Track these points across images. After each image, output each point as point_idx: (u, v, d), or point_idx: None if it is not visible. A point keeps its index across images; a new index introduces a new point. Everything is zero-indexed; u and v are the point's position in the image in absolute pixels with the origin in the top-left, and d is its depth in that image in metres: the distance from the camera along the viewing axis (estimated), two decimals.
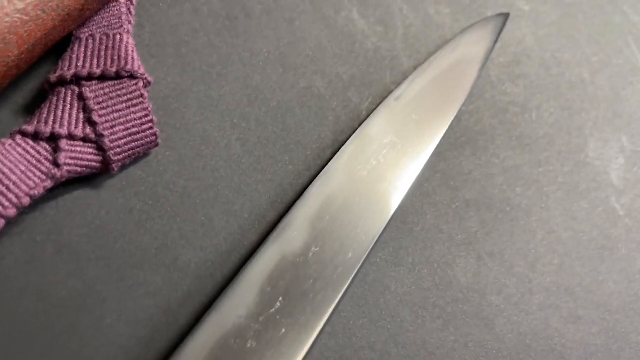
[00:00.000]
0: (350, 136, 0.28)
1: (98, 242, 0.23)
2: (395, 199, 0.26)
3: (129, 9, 0.26)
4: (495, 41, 0.31)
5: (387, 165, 0.26)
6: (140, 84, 0.24)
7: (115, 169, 0.24)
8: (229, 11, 0.28)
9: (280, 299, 0.22)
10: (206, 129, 0.26)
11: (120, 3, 0.26)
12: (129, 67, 0.24)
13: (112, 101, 0.23)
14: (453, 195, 0.28)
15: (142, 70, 0.24)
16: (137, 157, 0.24)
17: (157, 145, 0.25)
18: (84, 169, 0.23)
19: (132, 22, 0.26)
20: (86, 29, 0.25)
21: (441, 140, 0.28)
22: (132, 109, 0.23)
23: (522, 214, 0.29)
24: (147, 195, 0.25)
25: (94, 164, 0.23)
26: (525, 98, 0.32)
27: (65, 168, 0.22)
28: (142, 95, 0.24)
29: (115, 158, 0.23)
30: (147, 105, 0.24)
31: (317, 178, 0.26)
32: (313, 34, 0.29)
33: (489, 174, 0.29)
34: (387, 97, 0.29)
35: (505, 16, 0.32)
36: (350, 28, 0.30)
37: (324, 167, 0.27)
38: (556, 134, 0.31)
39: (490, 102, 0.31)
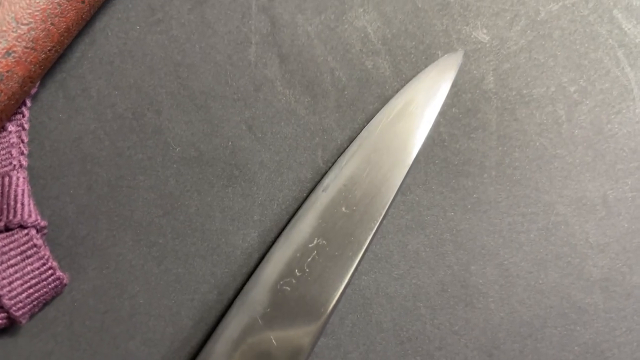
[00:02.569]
0: (278, 236, 0.25)
1: None
2: (319, 320, 0.24)
3: (20, 137, 0.24)
4: (449, 89, 0.27)
5: (312, 276, 0.24)
6: (33, 231, 0.23)
7: (23, 322, 0.23)
8: (135, 110, 0.26)
9: None
10: (120, 252, 0.25)
11: (9, 132, 0.24)
12: (17, 218, 0.22)
13: (5, 256, 0.22)
14: (398, 284, 0.26)
15: (33, 218, 0.23)
16: (46, 303, 0.24)
17: (64, 286, 0.24)
18: None
19: (25, 150, 0.24)
20: None
21: (382, 222, 0.25)
22: (27, 261, 0.22)
23: (481, 296, 0.26)
24: (64, 336, 0.24)
25: None
26: (483, 154, 0.28)
27: None
28: (35, 245, 0.22)
29: (18, 314, 0.23)
30: (43, 253, 0.23)
31: (239, 296, 0.24)
32: (232, 119, 0.27)
33: (440, 253, 0.27)
34: (315, 186, 0.26)
35: (459, 55, 0.28)
36: (273, 104, 0.27)
37: (250, 274, 0.25)
38: (521, 194, 0.27)
39: (440, 168, 0.27)
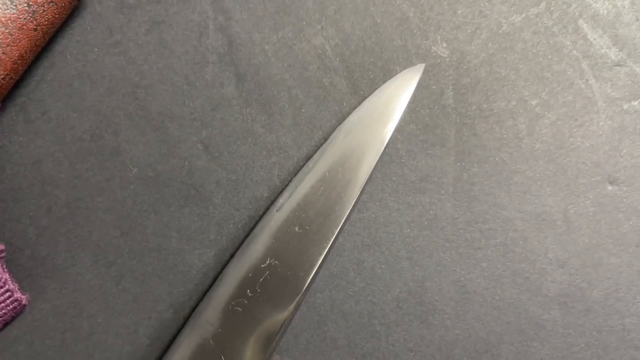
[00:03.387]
0: (232, 256, 0.26)
1: None
2: (272, 340, 0.24)
3: None
4: (406, 104, 0.27)
5: (264, 296, 0.25)
6: None
7: None
8: (93, 132, 0.27)
9: None
10: (78, 272, 0.26)
11: None
12: None
13: None
14: (353, 301, 0.26)
15: None
16: (6, 323, 0.24)
17: (23, 307, 0.24)
18: None
19: None
20: None
21: (335, 244, 0.25)
22: None
23: (436, 313, 0.26)
24: (25, 355, 0.25)
25: None
26: (441, 170, 0.28)
27: None
28: None
29: None
30: (1, 276, 0.23)
31: (192, 317, 0.25)
32: (188, 139, 0.27)
33: (396, 270, 0.27)
34: (270, 205, 0.26)
35: (418, 69, 0.28)
36: (230, 123, 0.27)
37: (205, 293, 0.26)
38: (479, 210, 0.27)
39: (397, 184, 0.27)
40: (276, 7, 0.28)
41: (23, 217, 0.26)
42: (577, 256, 0.27)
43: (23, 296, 0.24)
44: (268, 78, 0.28)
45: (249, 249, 0.25)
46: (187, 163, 0.27)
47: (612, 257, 0.28)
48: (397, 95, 0.27)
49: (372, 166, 0.26)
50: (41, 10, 0.24)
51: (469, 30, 0.29)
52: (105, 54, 0.27)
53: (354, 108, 0.28)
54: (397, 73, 0.28)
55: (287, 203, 0.26)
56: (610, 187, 0.28)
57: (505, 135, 0.28)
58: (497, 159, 0.28)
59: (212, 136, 0.27)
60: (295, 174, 0.27)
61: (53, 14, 0.24)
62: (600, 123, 0.29)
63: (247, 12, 0.27)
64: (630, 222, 0.28)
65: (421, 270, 0.27)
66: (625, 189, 0.28)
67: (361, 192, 0.26)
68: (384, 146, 0.26)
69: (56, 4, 0.24)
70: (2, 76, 0.24)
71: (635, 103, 0.29)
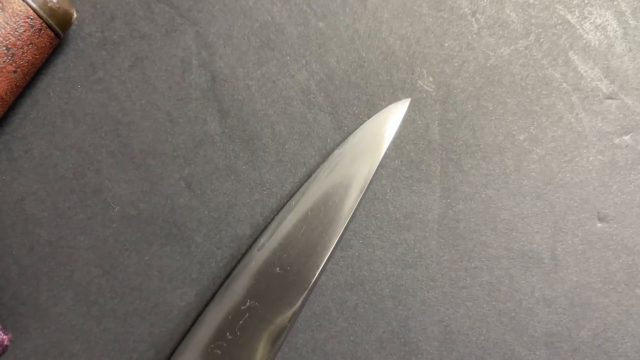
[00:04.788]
0: (213, 296, 0.26)
1: None
2: None
3: None
4: (390, 140, 0.27)
5: (244, 339, 0.24)
6: None
7: None
8: (76, 170, 0.27)
9: None
10: (60, 312, 0.26)
11: None
12: None
13: None
14: (336, 342, 0.26)
15: None
16: None
17: (5, 347, 0.24)
18: None
19: None
20: None
21: (318, 283, 0.25)
22: None
23: (420, 353, 0.26)
24: None
25: None
26: (426, 207, 0.27)
27: None
28: None
29: None
30: None
31: (172, 359, 0.25)
32: (171, 176, 0.27)
33: (379, 309, 0.26)
34: (252, 244, 0.26)
35: (403, 104, 0.28)
36: (213, 160, 0.27)
37: (185, 334, 0.26)
38: (464, 248, 0.27)
39: (381, 222, 0.27)
40: (260, 42, 0.27)
41: (5, 255, 0.26)
42: (564, 295, 0.27)
43: (5, 336, 0.24)
44: (251, 114, 0.27)
45: (229, 290, 0.25)
46: (169, 201, 0.27)
47: (600, 296, 0.27)
48: (381, 132, 0.27)
49: (355, 205, 0.26)
50: (20, 53, 0.24)
51: (456, 64, 0.28)
52: (88, 90, 0.27)
53: (338, 144, 0.27)
54: (382, 108, 0.28)
55: (268, 243, 0.25)
56: (599, 224, 0.28)
57: (492, 171, 0.28)
58: (483, 195, 0.27)
59: (194, 173, 0.27)
60: (278, 212, 0.26)
61: (33, 55, 0.24)
62: (590, 158, 0.28)
63: (230, 47, 0.27)
64: (620, 260, 0.27)
65: (405, 309, 0.27)
66: (615, 226, 0.28)
67: (344, 231, 0.25)
68: (368, 183, 0.26)
69: (36, 45, 0.24)
70: None
71: (626, 137, 0.28)
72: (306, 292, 0.25)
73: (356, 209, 0.26)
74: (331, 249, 0.25)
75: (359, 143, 0.27)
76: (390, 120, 0.27)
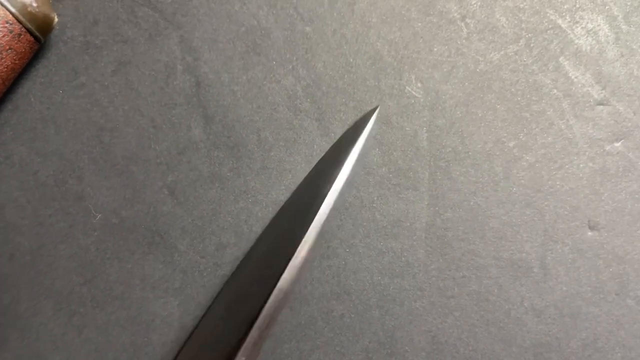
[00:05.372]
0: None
1: None
2: None
3: None
4: (361, 147, 0.25)
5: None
6: None
7: None
8: (57, 176, 0.26)
9: None
10: (41, 322, 0.25)
11: None
12: None
13: None
14: (321, 352, 0.26)
15: None
16: None
17: None
18: None
19: None
20: None
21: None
22: None
23: None
24: None
25: None
26: (414, 215, 0.27)
27: None
28: None
29: None
30: None
31: None
32: (154, 184, 0.26)
33: (366, 319, 0.26)
34: (241, 254, 0.26)
35: (371, 111, 0.27)
36: (197, 167, 0.27)
37: (170, 343, 0.25)
38: (452, 256, 0.27)
39: (367, 230, 0.27)
40: (246, 47, 0.27)
41: None
42: (554, 305, 0.27)
43: None
44: (237, 120, 0.27)
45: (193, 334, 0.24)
46: (152, 208, 0.26)
47: (590, 305, 0.27)
48: (353, 138, 0.26)
49: (323, 219, 0.24)
50: None
51: (445, 69, 0.28)
52: (69, 96, 0.26)
53: (325, 150, 0.27)
54: (370, 114, 0.27)
55: (232, 280, 0.24)
56: (590, 233, 0.27)
57: (480, 179, 0.27)
58: (472, 203, 0.27)
59: (178, 180, 0.26)
60: (265, 225, 0.26)
61: (12, 61, 0.24)
62: (581, 165, 0.28)
63: (215, 52, 0.27)
64: (611, 269, 0.27)
65: (392, 319, 0.26)
66: (605, 234, 0.27)
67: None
68: (337, 194, 0.24)
69: (15, 51, 0.24)
70: None
71: (617, 144, 0.28)
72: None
73: (343, 218, 0.25)
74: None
75: (331, 152, 0.26)
76: (360, 127, 0.26)
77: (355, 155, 0.24)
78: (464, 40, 0.28)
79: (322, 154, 0.27)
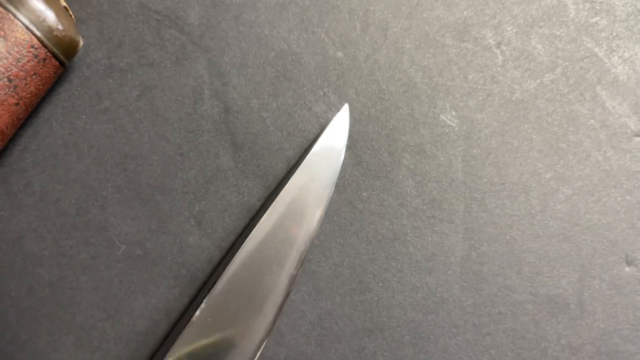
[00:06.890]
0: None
1: None
2: None
3: None
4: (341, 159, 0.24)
5: None
6: None
7: None
8: (79, 205, 0.25)
9: None
10: (61, 358, 0.24)
11: None
12: None
13: None
14: None
15: None
16: None
17: None
18: None
19: None
20: None
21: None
22: None
23: None
24: None
25: None
26: (449, 249, 0.26)
27: None
28: None
29: None
30: None
31: None
32: (180, 214, 0.25)
33: (399, 357, 0.25)
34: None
35: (344, 112, 0.25)
36: (225, 196, 0.26)
37: None
38: (488, 292, 0.26)
39: (401, 264, 0.26)
40: (276, 72, 0.26)
41: (3, 297, 0.24)
42: (591, 343, 0.26)
43: None
44: (266, 148, 0.26)
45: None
46: (178, 240, 0.25)
47: (628, 344, 0.26)
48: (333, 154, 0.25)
49: (307, 245, 0.23)
50: (23, 84, 0.22)
51: (480, 97, 0.27)
52: (93, 121, 0.25)
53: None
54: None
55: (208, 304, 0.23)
56: (627, 268, 0.26)
57: (517, 212, 0.26)
58: (507, 237, 0.26)
59: (205, 210, 0.25)
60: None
61: (36, 86, 0.23)
62: (619, 198, 0.27)
63: (244, 77, 0.26)
64: None
65: (426, 357, 0.25)
66: None
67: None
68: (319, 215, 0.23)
69: (40, 76, 0.23)
70: None
71: None
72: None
73: (376, 251, 0.24)
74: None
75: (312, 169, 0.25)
76: (337, 139, 0.25)
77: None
78: (499, 68, 0.27)
79: (355, 183, 0.26)
